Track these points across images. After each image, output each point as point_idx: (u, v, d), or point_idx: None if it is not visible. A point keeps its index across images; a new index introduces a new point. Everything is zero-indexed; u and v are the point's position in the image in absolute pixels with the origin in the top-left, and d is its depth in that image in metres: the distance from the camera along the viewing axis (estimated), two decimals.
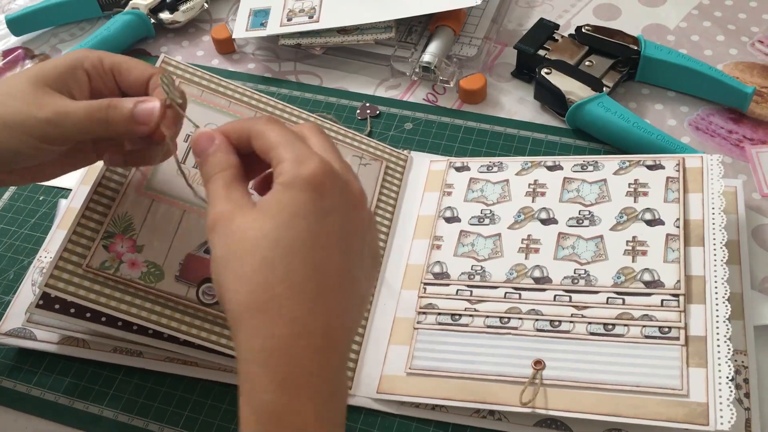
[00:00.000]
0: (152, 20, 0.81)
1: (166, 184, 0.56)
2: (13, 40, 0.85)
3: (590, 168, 0.61)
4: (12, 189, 0.69)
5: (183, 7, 0.82)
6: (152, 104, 0.45)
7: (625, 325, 0.52)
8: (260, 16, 0.78)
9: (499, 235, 0.59)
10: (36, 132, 0.45)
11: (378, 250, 0.43)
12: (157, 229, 0.54)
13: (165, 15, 0.82)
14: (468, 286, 0.57)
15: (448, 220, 0.61)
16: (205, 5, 0.83)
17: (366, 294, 0.42)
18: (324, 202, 0.38)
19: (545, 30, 0.73)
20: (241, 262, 0.37)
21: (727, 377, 0.48)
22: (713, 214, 0.55)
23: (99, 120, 0.45)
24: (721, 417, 0.47)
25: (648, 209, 0.57)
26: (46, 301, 0.53)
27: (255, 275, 0.37)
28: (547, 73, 0.68)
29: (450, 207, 0.62)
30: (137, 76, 0.47)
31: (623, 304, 0.53)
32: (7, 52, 0.83)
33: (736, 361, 0.52)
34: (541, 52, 0.71)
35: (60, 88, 0.46)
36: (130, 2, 0.82)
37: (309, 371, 0.37)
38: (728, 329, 0.50)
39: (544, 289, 0.55)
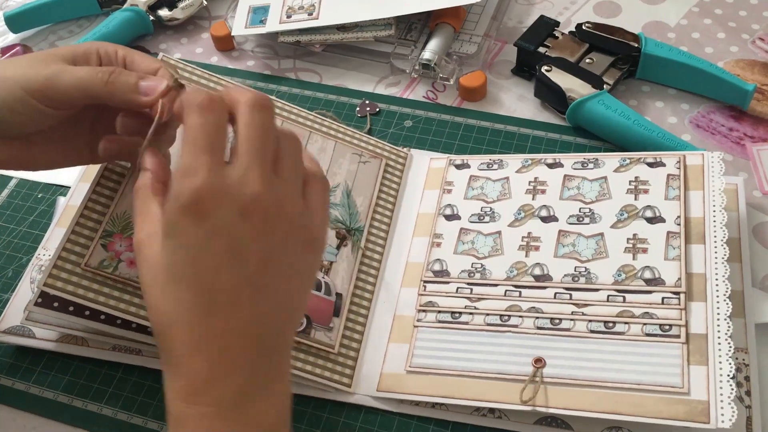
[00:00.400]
0: (151, 17, 0.81)
1: None
2: (11, 37, 0.85)
3: (591, 165, 0.61)
4: (10, 186, 0.69)
5: (182, 4, 0.81)
6: (158, 81, 0.46)
7: (626, 322, 0.52)
8: (259, 14, 0.77)
9: (499, 232, 0.59)
10: (34, 87, 0.45)
11: (312, 235, 0.42)
12: None
13: (164, 12, 0.81)
14: (468, 283, 0.57)
15: (448, 217, 0.61)
16: (204, 2, 0.83)
17: (295, 291, 0.42)
18: (207, 224, 0.38)
19: (545, 27, 0.72)
20: (147, 290, 0.40)
21: (728, 375, 0.48)
22: (714, 211, 0.55)
23: (101, 81, 0.45)
24: (722, 415, 0.47)
25: (649, 207, 0.57)
26: (45, 299, 0.53)
27: (156, 301, 0.40)
28: (547, 71, 0.68)
29: (450, 205, 0.62)
30: (146, 67, 0.48)
31: (624, 301, 0.53)
32: (5, 49, 0.83)
33: (737, 359, 0.52)
34: (542, 50, 0.71)
35: (70, 63, 0.47)
36: None
37: (205, 381, 0.38)
38: (729, 327, 0.50)
39: (544, 287, 0.55)
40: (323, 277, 0.57)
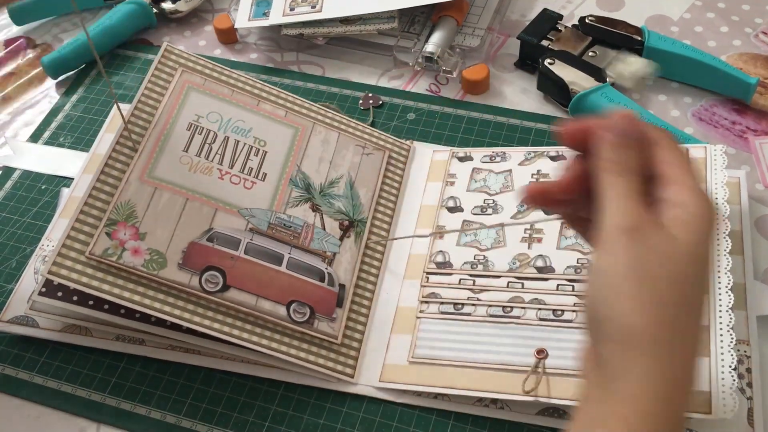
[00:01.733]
0: (154, 10, 0.81)
1: (168, 172, 0.56)
2: (15, 30, 0.85)
3: None
4: (14, 177, 0.69)
5: None
6: None
7: None
8: (263, 6, 0.77)
9: (502, 224, 0.59)
10: None
11: None
12: (160, 217, 0.54)
13: (167, 5, 0.81)
14: (471, 275, 0.57)
15: (451, 209, 0.61)
16: None
17: None
18: (708, 243, 0.36)
19: (548, 20, 0.72)
20: (655, 282, 0.34)
21: (730, 366, 0.48)
22: (716, 204, 0.55)
23: None
24: (724, 406, 0.47)
25: None
26: (49, 289, 0.53)
27: (667, 299, 0.34)
28: (550, 64, 0.68)
29: (453, 197, 0.62)
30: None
31: None
32: (9, 42, 0.83)
33: (738, 350, 0.52)
34: (545, 43, 0.71)
35: None
36: None
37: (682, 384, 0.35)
38: (731, 319, 0.50)
39: (546, 279, 0.55)
40: (326, 268, 0.57)
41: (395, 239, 0.61)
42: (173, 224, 0.55)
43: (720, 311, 0.50)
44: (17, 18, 0.84)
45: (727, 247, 0.53)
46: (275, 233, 0.57)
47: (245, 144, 0.60)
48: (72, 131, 0.72)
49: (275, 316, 0.54)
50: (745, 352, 0.52)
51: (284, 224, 0.58)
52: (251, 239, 0.56)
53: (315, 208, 0.59)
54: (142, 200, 0.54)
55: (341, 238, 0.59)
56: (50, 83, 0.78)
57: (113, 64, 0.78)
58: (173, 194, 0.56)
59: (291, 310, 0.55)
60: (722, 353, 0.49)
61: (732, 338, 0.49)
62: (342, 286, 0.57)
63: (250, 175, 0.58)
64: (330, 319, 0.56)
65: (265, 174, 0.59)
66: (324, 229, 0.59)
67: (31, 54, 0.82)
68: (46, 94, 0.77)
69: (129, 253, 0.52)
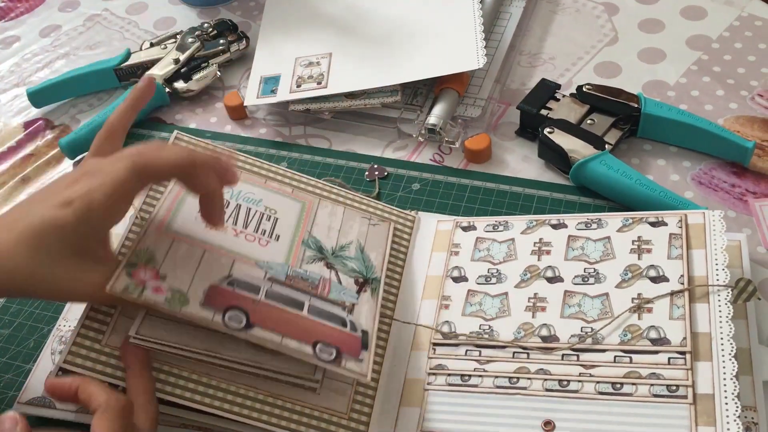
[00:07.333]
0: (167, 89, 0.84)
1: (184, 228, 0.58)
2: (34, 112, 0.88)
3: (594, 226, 0.62)
4: None
5: (196, 76, 0.85)
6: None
7: (633, 383, 0.53)
8: (270, 83, 0.80)
9: (506, 294, 0.60)
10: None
11: None
12: (179, 264, 0.55)
13: (179, 84, 0.84)
14: (476, 346, 0.58)
15: (456, 279, 0.62)
16: (218, 74, 0.86)
17: None
18: None
19: (547, 90, 0.74)
20: None
21: None
22: (717, 270, 0.56)
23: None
24: None
25: (652, 266, 0.58)
26: (66, 372, 0.54)
27: None
28: (549, 132, 0.70)
29: (457, 267, 0.63)
30: None
31: (630, 362, 0.54)
32: (28, 124, 0.86)
33: (746, 417, 0.52)
34: (544, 112, 0.73)
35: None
36: (146, 73, 0.85)
37: None
38: (736, 387, 0.50)
39: (551, 349, 0.56)
40: (347, 315, 0.57)
41: (400, 321, 0.62)
42: (192, 270, 0.55)
43: (724, 379, 0.51)
44: (36, 101, 0.87)
45: (729, 313, 0.54)
46: (294, 283, 0.58)
47: (257, 211, 0.61)
48: None
49: (301, 354, 0.54)
50: (752, 419, 0.52)
51: (301, 277, 0.59)
52: (271, 286, 0.57)
53: (329, 266, 0.60)
54: (161, 248, 0.55)
55: (358, 292, 0.60)
56: (68, 163, 0.81)
57: (128, 143, 0.80)
58: (191, 246, 0.56)
59: (317, 350, 0.55)
60: (728, 422, 0.49)
61: (737, 407, 0.49)
62: (365, 332, 0.57)
63: (264, 235, 0.60)
64: (357, 359, 0.56)
65: (278, 235, 0.60)
66: (340, 283, 0.60)
67: (49, 135, 0.85)
68: None
69: (150, 291, 0.52)
